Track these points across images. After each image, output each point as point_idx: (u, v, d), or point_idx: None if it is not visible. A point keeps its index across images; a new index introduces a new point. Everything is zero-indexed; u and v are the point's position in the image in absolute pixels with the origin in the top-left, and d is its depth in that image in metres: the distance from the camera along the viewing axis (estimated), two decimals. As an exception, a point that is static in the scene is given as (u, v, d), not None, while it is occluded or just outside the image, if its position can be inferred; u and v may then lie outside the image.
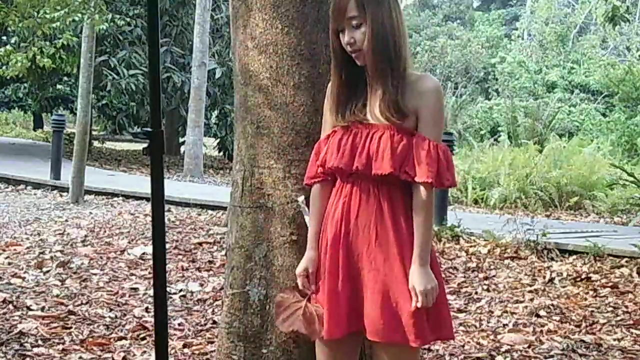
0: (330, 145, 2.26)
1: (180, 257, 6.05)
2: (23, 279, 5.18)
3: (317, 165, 2.32)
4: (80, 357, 3.64)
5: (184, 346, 3.85)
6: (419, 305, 2.12)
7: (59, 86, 18.80)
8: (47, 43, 10.38)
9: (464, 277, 5.64)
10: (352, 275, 2.21)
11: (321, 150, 2.31)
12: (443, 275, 5.67)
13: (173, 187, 9.95)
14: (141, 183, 11.18)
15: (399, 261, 2.16)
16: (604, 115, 21.20)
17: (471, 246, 6.48)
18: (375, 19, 2.14)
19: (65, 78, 17.87)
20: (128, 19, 14.69)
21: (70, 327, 4.09)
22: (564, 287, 5.38)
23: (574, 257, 6.12)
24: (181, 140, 17.98)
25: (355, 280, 2.21)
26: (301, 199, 2.74)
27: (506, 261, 6.07)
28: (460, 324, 4.43)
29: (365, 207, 2.20)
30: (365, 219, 2.19)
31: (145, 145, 17.43)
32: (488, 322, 4.50)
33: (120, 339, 3.95)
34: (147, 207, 8.74)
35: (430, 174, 2.12)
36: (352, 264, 2.21)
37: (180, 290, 5.04)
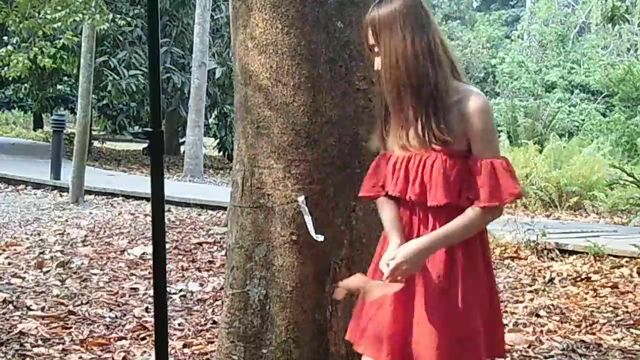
0: (387, 167, 2.21)
1: (180, 257, 6.05)
2: (23, 279, 5.18)
3: (374, 182, 2.25)
4: (80, 357, 3.64)
5: (184, 346, 3.85)
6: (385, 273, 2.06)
7: (59, 86, 18.79)
8: (48, 43, 10.37)
9: (464, 277, 5.64)
10: (406, 304, 2.14)
11: (380, 166, 2.24)
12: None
13: (173, 187, 9.94)
14: (141, 183, 11.18)
15: (455, 289, 2.11)
16: (604, 115, 21.20)
17: (471, 246, 6.48)
18: (386, 46, 2.08)
19: (66, 78, 17.85)
20: (128, 19, 14.69)
21: (70, 327, 4.09)
22: (564, 287, 5.38)
23: (574, 257, 6.12)
24: (181, 140, 17.99)
25: (407, 309, 2.14)
26: (301, 199, 2.74)
27: (506, 261, 6.07)
28: (460, 324, 4.42)
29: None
30: None
31: (145, 145, 17.43)
32: (488, 322, 4.49)
33: (120, 339, 3.95)
34: (147, 207, 8.74)
35: (490, 198, 2.05)
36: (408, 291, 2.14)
37: (180, 290, 5.04)
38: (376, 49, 2.12)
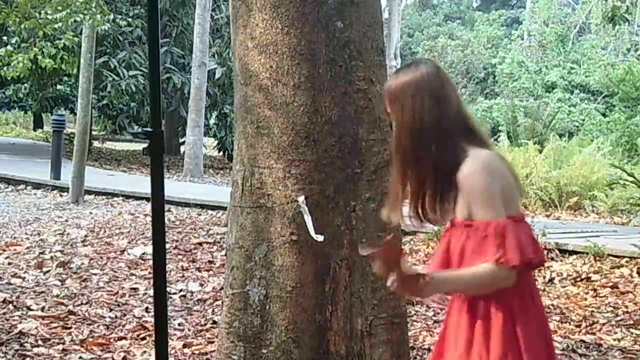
0: None
1: (180, 257, 6.05)
2: (23, 279, 5.18)
3: None
4: (80, 357, 3.64)
5: (184, 346, 3.85)
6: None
7: (59, 86, 18.80)
8: (48, 44, 10.37)
9: (464, 277, 5.64)
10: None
11: None
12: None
13: (173, 187, 9.94)
14: (141, 183, 11.18)
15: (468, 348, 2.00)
16: (604, 115, 21.21)
17: (471, 246, 6.48)
18: (397, 117, 2.03)
19: (66, 78, 17.87)
20: (129, 19, 14.70)
21: (70, 327, 4.09)
22: (564, 287, 5.38)
23: (574, 257, 6.11)
24: (181, 140, 17.99)
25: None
26: (301, 199, 2.74)
27: (506, 261, 6.06)
28: (460, 324, 4.43)
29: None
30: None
31: (145, 145, 17.43)
32: (488, 322, 4.49)
33: (120, 339, 3.96)
34: (147, 207, 8.74)
35: (494, 253, 1.91)
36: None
37: (180, 290, 5.04)
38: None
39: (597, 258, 6.00)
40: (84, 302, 4.64)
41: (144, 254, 6.03)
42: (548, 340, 2.06)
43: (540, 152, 12.36)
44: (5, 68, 9.55)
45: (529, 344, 1.97)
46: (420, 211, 2.06)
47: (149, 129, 2.40)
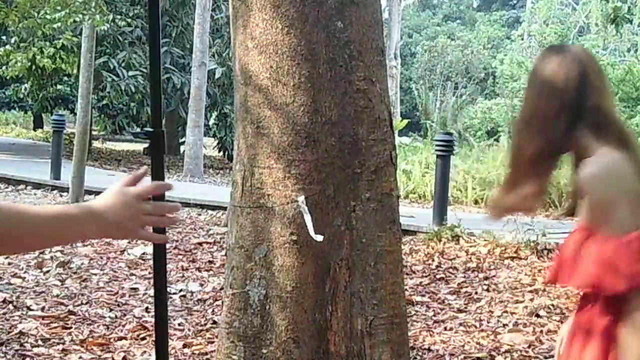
0: None
1: (180, 257, 6.06)
2: (23, 279, 5.18)
3: None
4: (80, 357, 3.64)
5: (184, 346, 3.85)
6: None
7: (59, 86, 18.78)
8: (47, 43, 10.37)
9: (464, 277, 5.64)
10: None
11: None
12: (443, 275, 5.69)
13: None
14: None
15: None
16: (604, 115, 21.20)
17: (471, 246, 6.48)
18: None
19: (65, 78, 17.86)
20: (128, 20, 14.71)
21: (70, 327, 4.09)
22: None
23: (574, 257, 6.11)
24: (181, 140, 17.99)
25: None
26: (301, 199, 2.73)
27: (506, 261, 6.07)
28: (460, 324, 4.43)
29: None
30: None
31: (145, 145, 17.42)
32: (488, 322, 4.50)
33: (120, 339, 3.96)
34: (147, 207, 8.72)
35: (592, 279, 1.69)
36: None
37: (180, 290, 5.04)
38: None
39: (597, 258, 5.99)
40: (84, 302, 4.64)
41: (144, 254, 6.03)
42: None
43: (540, 152, 12.34)
44: (4, 68, 9.55)
45: None
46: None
47: (149, 129, 2.39)
